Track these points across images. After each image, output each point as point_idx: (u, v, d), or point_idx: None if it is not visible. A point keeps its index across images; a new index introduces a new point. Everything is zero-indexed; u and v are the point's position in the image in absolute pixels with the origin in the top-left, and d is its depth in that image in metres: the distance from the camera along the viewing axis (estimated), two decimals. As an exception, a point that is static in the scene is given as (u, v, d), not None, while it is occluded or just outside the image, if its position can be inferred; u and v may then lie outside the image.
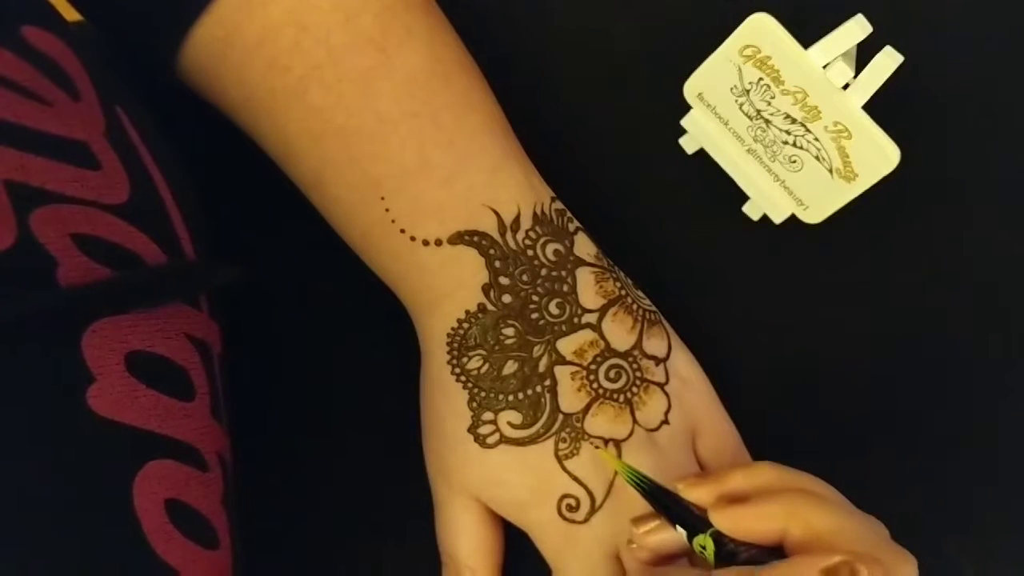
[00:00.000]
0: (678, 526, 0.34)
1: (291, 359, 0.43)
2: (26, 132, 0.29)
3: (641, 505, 0.37)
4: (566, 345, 0.38)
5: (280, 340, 0.43)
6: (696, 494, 0.34)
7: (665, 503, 0.34)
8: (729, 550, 0.32)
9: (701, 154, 0.44)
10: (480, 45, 0.41)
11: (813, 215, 0.42)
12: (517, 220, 0.38)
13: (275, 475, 0.40)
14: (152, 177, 0.34)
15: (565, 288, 0.38)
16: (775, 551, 0.32)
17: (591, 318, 0.38)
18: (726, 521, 0.32)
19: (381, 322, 0.42)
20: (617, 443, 0.38)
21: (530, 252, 0.38)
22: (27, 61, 0.30)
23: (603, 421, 0.38)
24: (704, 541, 0.33)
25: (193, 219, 0.35)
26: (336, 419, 0.43)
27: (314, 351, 0.43)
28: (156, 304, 0.31)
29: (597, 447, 0.38)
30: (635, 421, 0.38)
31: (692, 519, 0.34)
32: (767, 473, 0.34)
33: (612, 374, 0.38)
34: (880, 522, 0.34)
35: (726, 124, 0.42)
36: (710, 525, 0.33)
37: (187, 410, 0.32)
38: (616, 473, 0.38)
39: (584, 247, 0.39)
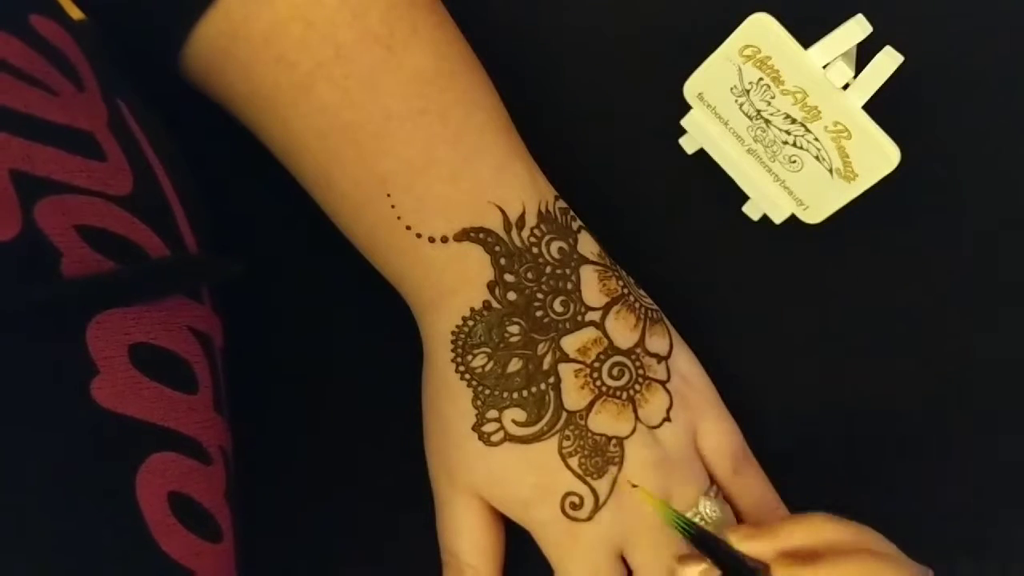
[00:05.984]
0: None
1: (292, 354, 0.43)
2: (33, 121, 0.29)
3: (646, 508, 0.37)
4: (570, 343, 0.38)
5: (281, 334, 0.43)
6: (753, 548, 0.33)
7: (714, 550, 0.34)
8: None
9: (701, 154, 0.44)
10: (481, 45, 0.41)
11: (813, 215, 0.42)
12: (522, 218, 0.38)
13: (275, 469, 0.40)
14: (154, 170, 0.34)
15: (569, 286, 0.38)
16: None
17: (595, 316, 0.39)
18: None
19: (382, 319, 0.42)
20: (620, 440, 0.38)
21: (535, 250, 0.38)
22: (34, 50, 0.30)
23: (606, 418, 0.38)
24: None
25: (194, 213, 0.35)
26: (337, 415, 0.42)
27: (315, 347, 0.43)
28: (160, 297, 0.31)
29: (635, 485, 0.37)
30: (637, 418, 0.38)
31: (742, 568, 0.33)
32: (828, 529, 0.33)
33: (615, 372, 0.38)
34: (931, 571, 0.34)
35: (726, 124, 0.42)
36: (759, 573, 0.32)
37: (190, 403, 0.31)
38: (618, 472, 0.38)
39: (587, 245, 0.40)
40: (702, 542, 0.34)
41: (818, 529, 0.33)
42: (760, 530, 0.34)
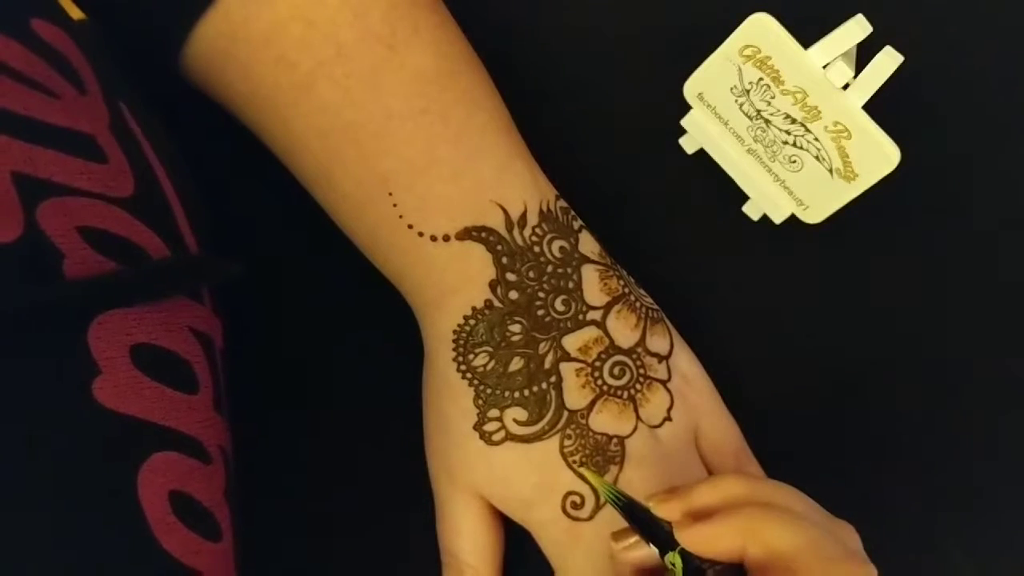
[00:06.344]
0: (650, 543, 0.34)
1: (292, 353, 0.43)
2: (34, 124, 0.29)
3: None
4: (571, 342, 0.38)
5: (281, 334, 0.43)
6: (665, 510, 0.33)
7: (639, 519, 0.34)
8: (696, 567, 0.32)
9: (701, 154, 0.44)
10: (481, 45, 0.41)
11: (813, 215, 0.42)
12: (524, 217, 0.38)
13: (275, 469, 0.40)
14: (155, 171, 0.34)
15: (570, 285, 0.39)
16: (741, 567, 0.32)
17: (596, 315, 0.39)
18: (689, 539, 0.32)
19: (382, 319, 0.42)
20: (621, 439, 0.38)
21: (536, 249, 0.38)
22: (36, 53, 0.30)
23: (607, 418, 0.38)
24: (673, 558, 0.32)
25: (195, 214, 0.35)
26: (337, 415, 0.42)
27: (315, 346, 0.43)
28: (161, 297, 0.31)
29: (580, 466, 0.37)
30: (638, 418, 0.39)
31: (663, 536, 0.33)
32: (732, 486, 0.33)
33: (616, 371, 0.38)
34: (852, 530, 0.33)
35: (726, 124, 0.42)
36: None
37: (190, 403, 0.31)
38: (619, 471, 0.38)
39: (588, 245, 0.40)
40: (630, 513, 0.34)
41: (721, 487, 0.33)
42: (672, 494, 0.34)
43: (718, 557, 0.32)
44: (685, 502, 0.33)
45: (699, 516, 0.32)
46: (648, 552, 0.34)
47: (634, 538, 0.35)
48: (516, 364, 0.38)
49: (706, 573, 0.32)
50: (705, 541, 0.32)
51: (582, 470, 0.37)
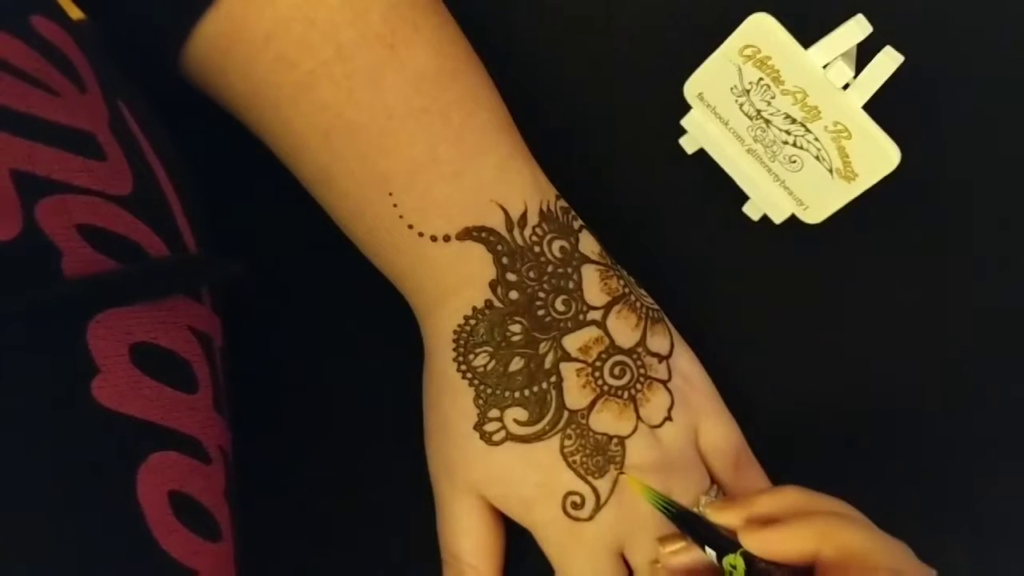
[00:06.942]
0: (707, 548, 0.35)
1: (291, 354, 0.43)
2: (34, 121, 0.28)
3: (646, 506, 0.37)
4: (572, 342, 0.38)
5: (280, 334, 0.43)
6: (724, 518, 0.35)
7: (692, 526, 0.36)
8: (760, 569, 0.33)
9: (701, 154, 0.44)
10: (481, 45, 0.41)
11: (813, 215, 0.42)
12: (524, 217, 0.38)
13: (274, 469, 0.40)
14: (154, 170, 0.34)
15: (571, 285, 0.39)
16: (806, 570, 0.33)
17: (596, 315, 0.39)
18: (757, 542, 0.33)
19: (382, 319, 0.42)
20: (621, 439, 0.38)
21: (537, 249, 0.38)
22: (36, 50, 0.30)
23: (607, 418, 0.38)
24: (735, 561, 0.34)
25: (194, 213, 0.35)
26: (336, 415, 0.42)
27: (314, 347, 0.43)
28: (160, 296, 0.31)
29: (621, 473, 0.38)
30: (639, 418, 0.38)
31: (720, 540, 0.35)
32: (794, 496, 0.35)
33: (616, 371, 0.38)
34: (905, 543, 0.34)
35: (726, 124, 0.42)
36: (738, 545, 0.34)
37: (190, 402, 0.31)
38: (619, 472, 0.38)
39: (588, 245, 0.40)
40: (683, 520, 0.36)
41: (784, 497, 0.35)
42: (731, 502, 0.35)
43: (787, 560, 0.33)
44: (746, 509, 0.35)
45: (762, 523, 0.34)
46: (696, 556, 0.36)
47: (682, 543, 0.36)
48: (516, 364, 0.38)
49: (773, 574, 0.33)
50: (778, 543, 0.33)
51: (624, 479, 0.38)
